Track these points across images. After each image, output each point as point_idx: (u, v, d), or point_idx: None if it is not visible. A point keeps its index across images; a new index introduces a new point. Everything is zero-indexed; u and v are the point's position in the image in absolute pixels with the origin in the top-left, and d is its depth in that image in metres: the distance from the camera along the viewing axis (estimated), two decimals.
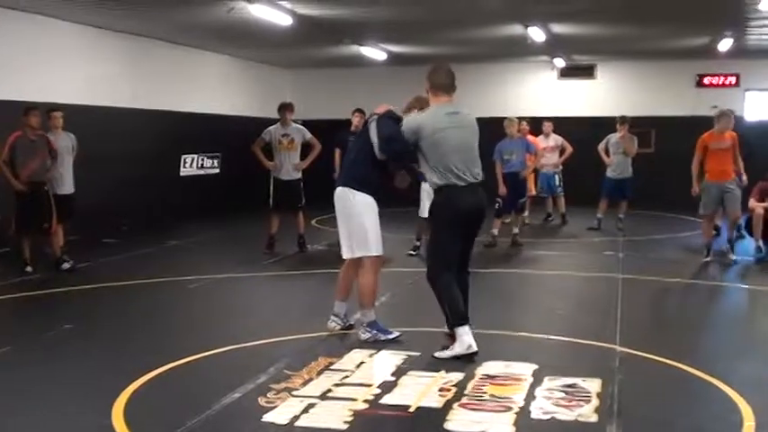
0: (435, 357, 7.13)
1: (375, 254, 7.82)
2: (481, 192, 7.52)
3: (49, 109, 12.34)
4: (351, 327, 8.19)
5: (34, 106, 11.92)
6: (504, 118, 14.78)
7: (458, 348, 7.12)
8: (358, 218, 7.73)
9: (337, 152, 14.04)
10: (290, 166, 13.52)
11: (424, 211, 13.10)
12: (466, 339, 7.13)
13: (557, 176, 17.74)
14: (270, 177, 13.70)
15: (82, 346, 7.78)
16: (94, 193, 14.59)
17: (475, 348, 7.09)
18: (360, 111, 14.17)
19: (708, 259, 12.62)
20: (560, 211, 17.80)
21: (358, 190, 7.72)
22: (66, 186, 12.33)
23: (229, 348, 7.54)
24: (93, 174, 14.23)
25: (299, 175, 13.68)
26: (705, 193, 12.62)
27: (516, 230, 14.54)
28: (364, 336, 7.77)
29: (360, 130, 8.39)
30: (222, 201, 19.65)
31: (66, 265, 11.83)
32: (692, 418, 5.82)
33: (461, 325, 7.21)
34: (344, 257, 7.99)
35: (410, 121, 7.65)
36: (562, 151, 17.70)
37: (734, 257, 12.68)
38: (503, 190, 14.08)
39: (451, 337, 7.31)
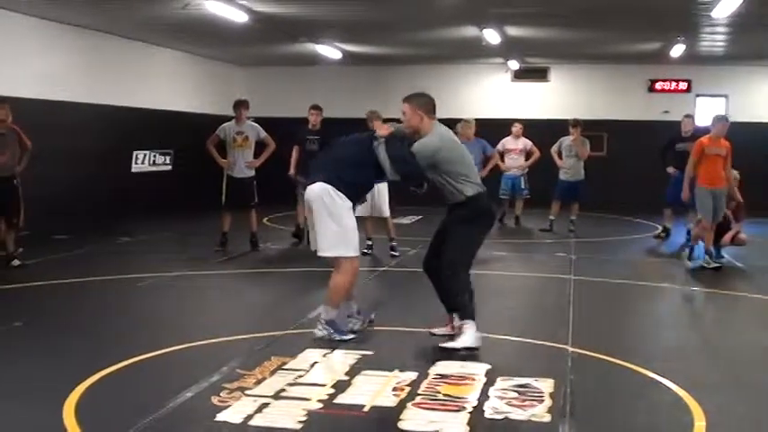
0: (444, 348, 7.38)
1: (354, 254, 7.80)
2: None
3: None
4: (372, 322, 8.22)
5: (2, 99, 11.76)
6: (460, 119, 14.80)
7: (469, 341, 7.37)
8: (339, 218, 7.67)
9: (295, 150, 14.04)
10: (243, 164, 13.46)
11: (362, 210, 13.25)
12: (477, 334, 7.44)
13: (522, 179, 17.68)
14: (223, 175, 13.63)
15: (32, 344, 7.67)
16: (46, 189, 14.43)
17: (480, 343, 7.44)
18: (317, 107, 14.19)
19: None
20: (516, 213, 17.83)
21: (343, 192, 7.68)
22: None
23: (182, 347, 7.48)
24: (45, 169, 14.06)
25: (253, 173, 13.62)
26: (699, 200, 12.47)
27: None
28: (320, 333, 7.73)
29: (355, 135, 8.23)
30: (174, 198, 19.52)
31: (15, 262, 11.67)
32: (643, 419, 5.86)
33: (474, 319, 7.51)
34: (319, 255, 7.87)
35: (427, 144, 7.74)
36: (529, 154, 17.65)
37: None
38: None
39: (451, 326, 7.77)
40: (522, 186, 17.68)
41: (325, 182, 7.69)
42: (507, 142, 17.63)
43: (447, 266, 7.65)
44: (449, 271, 7.64)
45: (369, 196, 13.16)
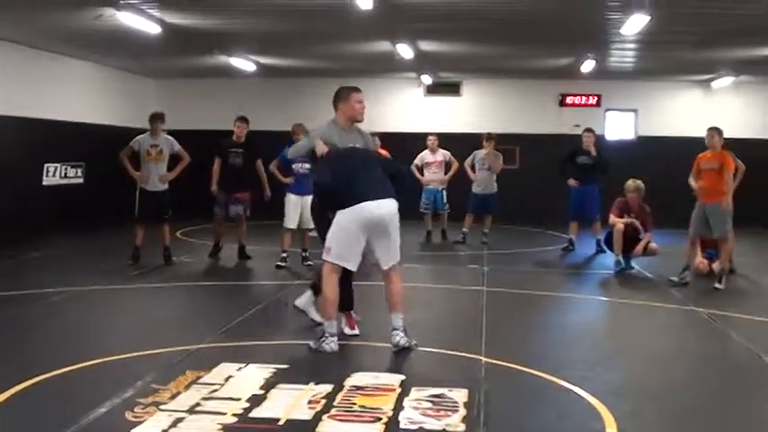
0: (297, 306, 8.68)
1: None
2: None
3: None
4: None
5: None
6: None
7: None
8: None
9: (216, 162, 13.92)
10: (156, 178, 13.32)
11: (290, 221, 13.29)
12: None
13: (444, 192, 17.53)
14: (136, 188, 13.49)
15: None
16: None
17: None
18: (244, 119, 14.08)
19: (676, 280, 12.23)
20: (442, 227, 17.70)
21: None
22: None
23: (95, 362, 7.37)
24: None
25: (166, 187, 13.49)
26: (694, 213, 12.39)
27: None
28: (404, 341, 7.91)
29: (361, 150, 8.34)
30: (86, 211, 19.21)
31: None
32: (555, 426, 5.97)
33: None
34: (388, 267, 8.01)
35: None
36: (448, 166, 17.57)
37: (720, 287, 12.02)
38: None
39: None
40: (444, 201, 17.50)
41: (393, 197, 7.99)
42: (425, 156, 17.56)
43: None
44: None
45: (298, 207, 13.31)
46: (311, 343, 7.91)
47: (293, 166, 13.37)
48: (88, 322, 9.54)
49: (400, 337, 7.91)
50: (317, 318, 8.50)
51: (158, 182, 13.34)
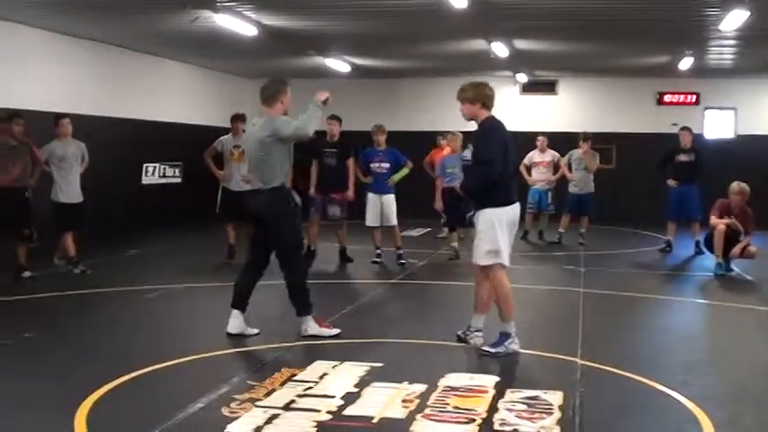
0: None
1: None
2: (262, 196, 8.28)
3: (56, 116, 12.55)
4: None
5: (17, 113, 11.86)
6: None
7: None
8: None
9: (315, 164, 13.62)
10: (239, 178, 13.24)
11: (371, 220, 13.34)
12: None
13: (549, 193, 17.40)
14: (219, 187, 13.61)
15: (43, 356, 7.70)
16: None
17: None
18: (336, 117, 13.75)
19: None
20: (540, 228, 17.49)
21: None
22: (74, 195, 12.40)
23: (192, 358, 7.50)
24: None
25: (249, 187, 13.47)
26: None
27: (455, 244, 14.27)
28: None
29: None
30: (183, 210, 19.53)
31: (26, 273, 11.71)
32: (652, 430, 5.87)
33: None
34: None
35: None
36: (556, 167, 17.36)
37: None
38: (439, 204, 14.10)
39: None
40: (549, 201, 17.36)
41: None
42: (534, 155, 17.41)
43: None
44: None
45: (377, 206, 13.38)
46: (489, 348, 7.76)
47: (371, 165, 13.52)
48: (184, 319, 9.70)
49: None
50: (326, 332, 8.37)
51: (241, 182, 13.34)
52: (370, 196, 13.66)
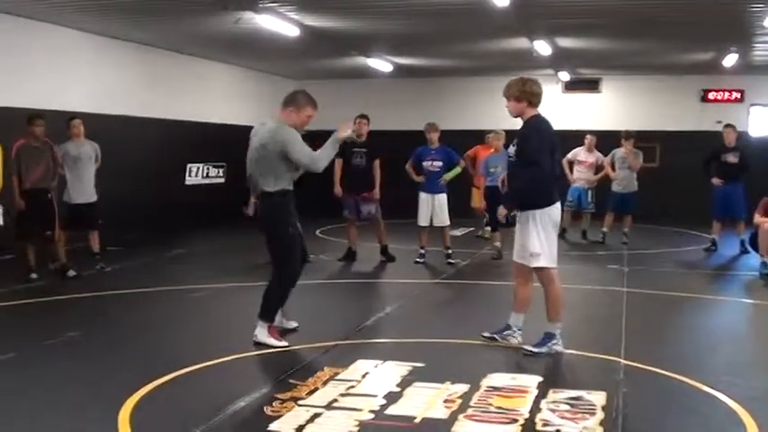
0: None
1: None
2: (261, 200, 8.26)
3: (68, 117, 12.54)
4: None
5: (38, 114, 11.97)
6: (491, 131, 14.72)
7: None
8: None
9: (338, 163, 13.48)
10: None
11: (422, 219, 13.33)
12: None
13: (589, 192, 17.28)
14: None
15: (86, 354, 7.79)
16: (99, 201, 14.57)
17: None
18: (364, 117, 13.73)
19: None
20: (583, 227, 17.35)
21: None
22: (89, 195, 12.48)
23: (235, 357, 7.55)
24: (99, 182, 14.22)
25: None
26: None
27: (498, 244, 14.22)
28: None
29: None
30: (227, 210, 19.60)
31: (71, 273, 11.85)
32: None
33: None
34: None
35: None
36: (599, 168, 17.19)
37: None
38: (479, 203, 14.03)
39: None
40: (589, 200, 17.25)
41: None
42: (579, 153, 17.25)
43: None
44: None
45: (429, 205, 13.35)
46: (532, 348, 7.71)
47: (423, 164, 13.46)
48: (227, 318, 9.74)
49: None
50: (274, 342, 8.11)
51: None
52: (422, 196, 13.57)
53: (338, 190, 13.65)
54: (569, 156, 17.08)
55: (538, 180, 7.65)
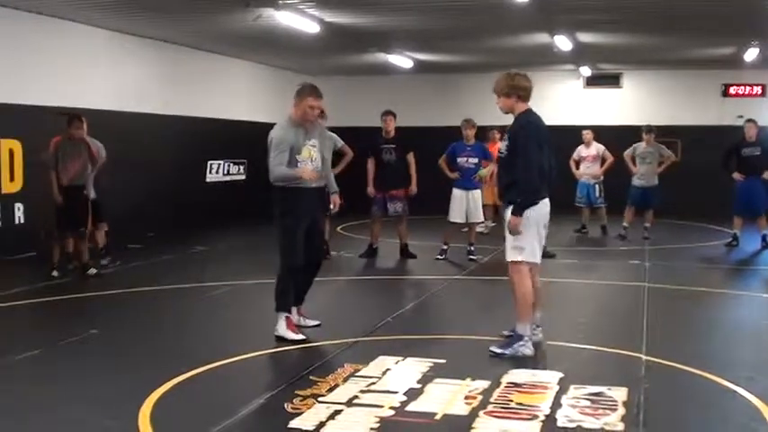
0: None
1: None
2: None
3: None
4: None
5: (77, 115, 12.01)
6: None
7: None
8: None
9: (370, 162, 13.57)
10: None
11: (456, 216, 13.31)
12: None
13: (597, 187, 17.25)
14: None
15: (108, 351, 7.84)
16: (120, 198, 14.68)
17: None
18: (390, 113, 13.68)
19: None
20: (601, 223, 17.32)
21: None
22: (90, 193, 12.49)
23: (254, 354, 7.57)
24: (120, 179, 14.32)
25: (323, 183, 13.51)
26: None
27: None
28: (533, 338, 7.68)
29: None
30: (248, 207, 19.68)
31: (92, 271, 11.90)
32: (717, 428, 5.80)
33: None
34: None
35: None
36: (603, 160, 17.20)
37: None
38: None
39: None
40: (597, 195, 17.22)
41: None
42: (581, 150, 17.34)
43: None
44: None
45: (463, 202, 13.32)
46: (495, 348, 7.52)
47: (458, 160, 13.38)
48: (248, 316, 9.76)
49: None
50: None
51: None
52: (457, 192, 13.47)
53: (371, 190, 13.62)
54: (574, 155, 17.18)
55: (528, 177, 7.51)
